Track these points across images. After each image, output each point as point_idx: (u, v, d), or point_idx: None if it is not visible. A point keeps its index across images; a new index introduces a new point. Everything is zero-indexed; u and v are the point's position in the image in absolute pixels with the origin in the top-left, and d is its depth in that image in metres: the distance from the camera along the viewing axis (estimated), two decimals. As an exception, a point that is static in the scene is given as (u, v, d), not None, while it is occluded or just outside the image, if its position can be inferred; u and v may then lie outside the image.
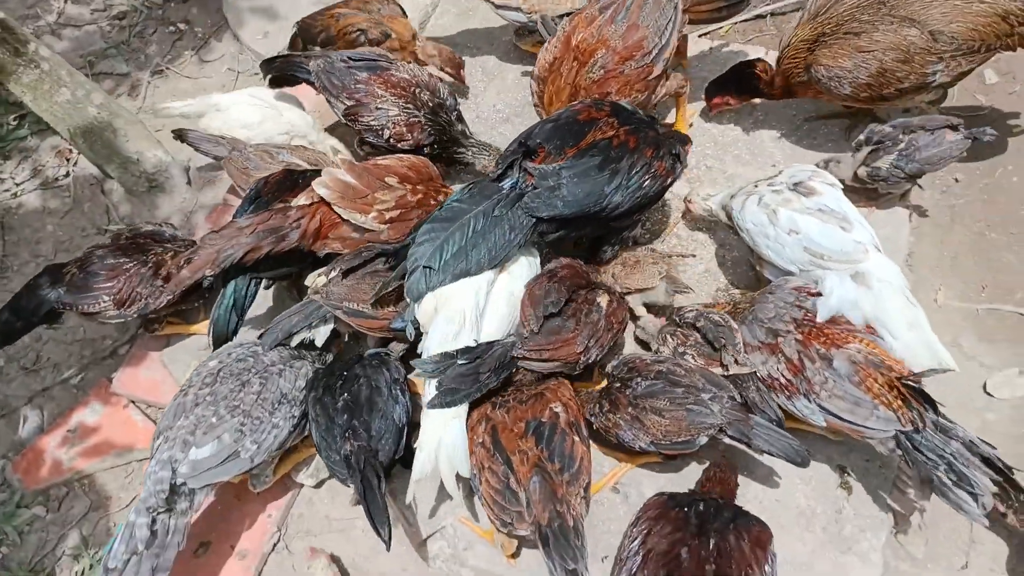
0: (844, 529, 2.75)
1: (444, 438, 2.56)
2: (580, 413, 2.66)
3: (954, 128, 3.04)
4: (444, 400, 2.55)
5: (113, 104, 3.90)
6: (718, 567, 2.24)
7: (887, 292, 2.58)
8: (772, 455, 2.54)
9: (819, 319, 2.57)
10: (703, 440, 2.56)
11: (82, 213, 4.13)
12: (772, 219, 2.74)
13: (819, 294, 2.65)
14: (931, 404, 2.44)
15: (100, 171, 4.07)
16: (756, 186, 2.89)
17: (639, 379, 2.65)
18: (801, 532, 2.76)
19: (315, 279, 2.89)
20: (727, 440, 2.58)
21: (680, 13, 3.12)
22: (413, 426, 2.74)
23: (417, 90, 3.43)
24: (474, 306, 2.65)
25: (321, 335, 2.94)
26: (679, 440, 2.57)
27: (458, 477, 2.57)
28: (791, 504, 2.81)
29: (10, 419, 3.53)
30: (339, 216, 3.00)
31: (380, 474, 2.52)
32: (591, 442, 2.88)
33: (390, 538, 2.45)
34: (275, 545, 3.07)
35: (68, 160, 4.31)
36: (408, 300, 2.70)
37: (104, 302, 3.14)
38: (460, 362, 2.58)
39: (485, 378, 2.60)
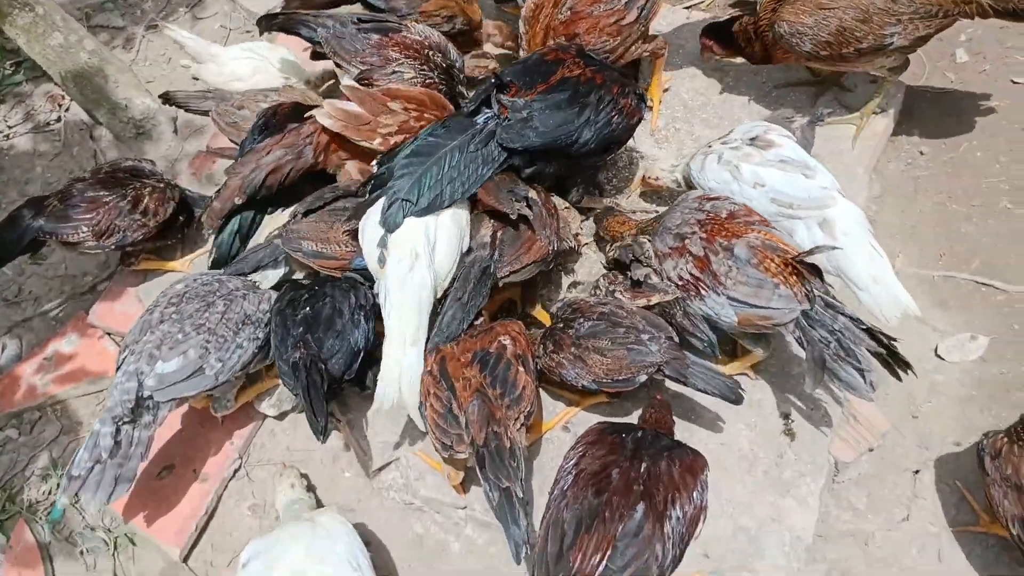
0: (784, 473, 2.82)
1: (405, 365, 2.62)
2: (529, 347, 2.74)
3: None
4: (445, 340, 2.68)
5: (104, 51, 4.01)
6: (646, 488, 2.31)
7: (851, 245, 2.66)
8: (707, 393, 2.62)
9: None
10: (643, 378, 2.63)
11: (71, 156, 4.25)
12: (735, 175, 2.81)
13: (717, 198, 2.77)
14: (820, 277, 2.54)
15: (90, 116, 4.17)
16: (711, 146, 2.97)
17: (582, 320, 2.73)
18: (742, 475, 2.84)
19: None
20: (665, 378, 2.66)
21: None
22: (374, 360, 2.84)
23: (430, 52, 3.41)
24: (424, 241, 2.69)
25: (269, 279, 3.03)
26: (620, 378, 2.64)
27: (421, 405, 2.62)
28: (734, 448, 2.88)
29: (-11, 347, 3.65)
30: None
31: (325, 378, 2.61)
32: (546, 383, 2.97)
33: (325, 431, 2.57)
34: (236, 472, 3.17)
35: (60, 106, 4.42)
36: (385, 232, 2.73)
37: (83, 232, 3.23)
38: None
39: (469, 300, 2.71)
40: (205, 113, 3.61)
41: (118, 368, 2.72)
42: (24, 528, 3.14)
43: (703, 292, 2.63)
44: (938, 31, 3.09)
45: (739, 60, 3.57)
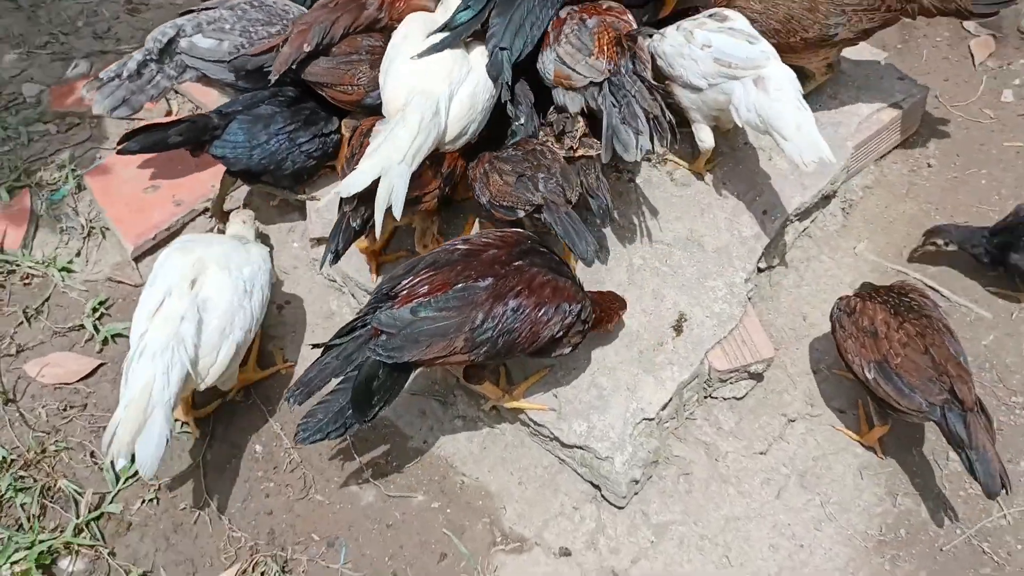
0: (657, 358, 2.98)
1: (394, 170, 2.65)
2: (456, 164, 2.98)
3: None
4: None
5: None
6: (504, 273, 2.54)
7: (782, 98, 2.83)
8: (567, 244, 2.74)
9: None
10: (521, 213, 2.78)
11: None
12: (689, 39, 3.02)
13: None
14: (632, 52, 2.86)
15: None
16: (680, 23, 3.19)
17: (512, 150, 2.95)
18: (620, 347, 3.01)
19: None
20: (543, 220, 2.79)
21: None
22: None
23: None
24: (446, 101, 2.85)
25: None
26: (504, 204, 2.80)
27: (388, 213, 2.66)
28: (627, 326, 3.04)
29: (65, 63, 4.18)
30: None
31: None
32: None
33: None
34: (207, 210, 3.56)
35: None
36: (492, 78, 2.94)
37: None
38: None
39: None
40: None
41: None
42: (26, 197, 3.62)
43: (544, 48, 2.96)
44: (882, 25, 3.19)
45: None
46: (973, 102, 3.97)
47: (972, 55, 4.15)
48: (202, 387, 2.69)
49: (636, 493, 2.93)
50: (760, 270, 3.37)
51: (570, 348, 2.73)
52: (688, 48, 3.00)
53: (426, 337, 2.45)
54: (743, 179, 3.37)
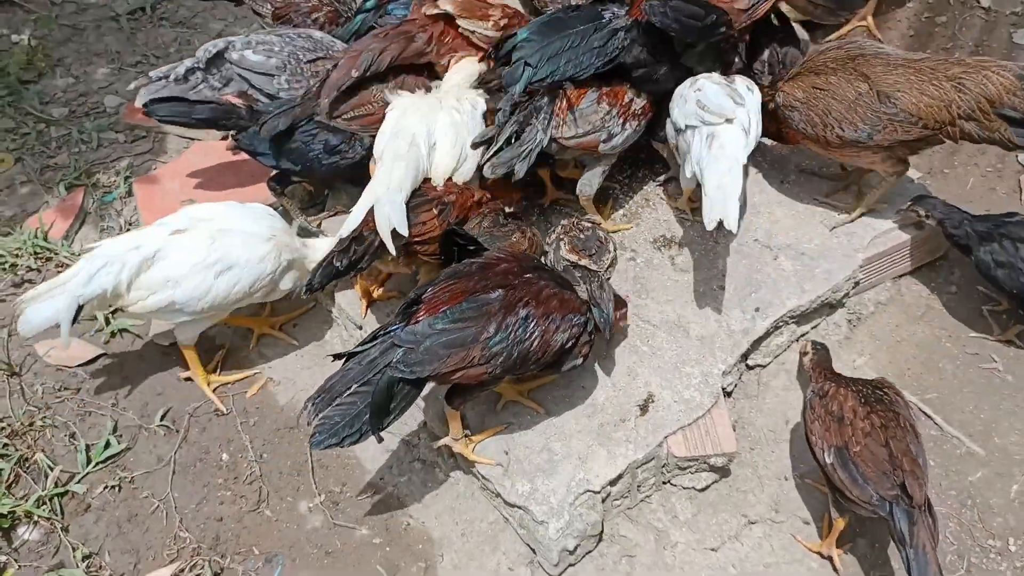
0: (616, 433, 2.97)
1: (383, 198, 2.89)
2: (466, 207, 3.08)
3: None
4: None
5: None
6: (515, 286, 2.68)
7: (719, 157, 2.91)
8: None
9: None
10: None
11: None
12: (692, 83, 3.16)
13: None
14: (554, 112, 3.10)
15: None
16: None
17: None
18: (581, 416, 3.02)
19: None
20: None
21: None
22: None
23: None
24: (425, 136, 3.07)
25: None
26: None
27: (394, 233, 2.86)
28: (590, 395, 3.07)
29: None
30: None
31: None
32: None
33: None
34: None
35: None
36: (504, 86, 3.10)
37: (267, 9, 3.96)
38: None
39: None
40: None
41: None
42: (80, 195, 3.94)
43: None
44: (921, 140, 3.17)
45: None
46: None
47: (1021, 189, 4.04)
48: (126, 311, 3.03)
49: (572, 564, 2.90)
50: (749, 367, 3.33)
51: (581, 359, 2.83)
52: (688, 90, 3.14)
53: (444, 349, 2.53)
54: (744, 274, 3.35)
